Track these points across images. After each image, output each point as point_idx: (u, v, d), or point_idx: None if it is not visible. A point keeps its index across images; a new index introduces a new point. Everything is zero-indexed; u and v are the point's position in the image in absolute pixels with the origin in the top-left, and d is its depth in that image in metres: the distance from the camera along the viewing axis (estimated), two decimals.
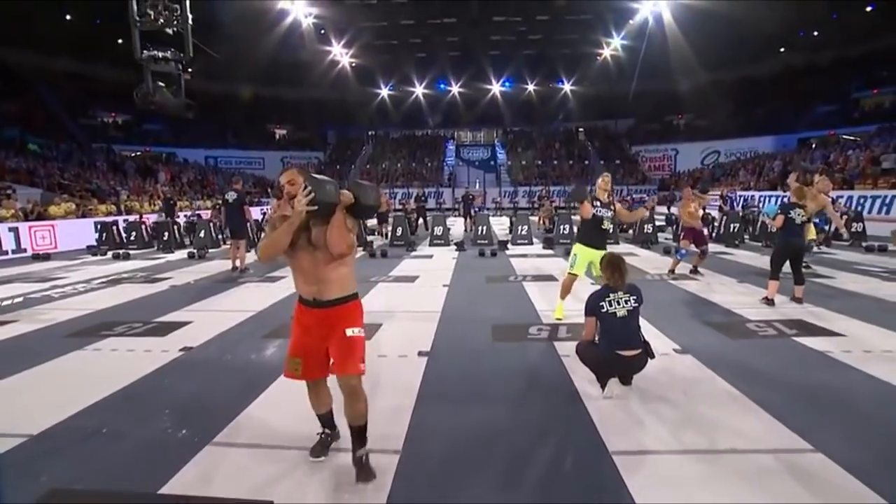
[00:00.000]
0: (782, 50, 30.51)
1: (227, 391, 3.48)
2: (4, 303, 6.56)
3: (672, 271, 7.70)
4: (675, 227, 13.40)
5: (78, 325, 5.35)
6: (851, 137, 23.93)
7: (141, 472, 2.48)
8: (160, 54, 7.55)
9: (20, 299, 6.78)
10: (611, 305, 3.15)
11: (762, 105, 32.05)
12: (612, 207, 4.97)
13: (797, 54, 30.08)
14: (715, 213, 13.80)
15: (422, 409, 3.12)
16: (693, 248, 7.66)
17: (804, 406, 3.05)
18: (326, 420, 2.65)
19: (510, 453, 2.59)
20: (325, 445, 2.62)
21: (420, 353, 4.15)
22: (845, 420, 2.87)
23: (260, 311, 5.90)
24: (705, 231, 8.56)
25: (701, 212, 8.51)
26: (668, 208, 19.52)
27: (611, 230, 5.12)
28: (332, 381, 2.46)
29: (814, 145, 26.48)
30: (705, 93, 30.82)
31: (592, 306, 3.19)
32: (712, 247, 11.39)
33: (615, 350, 3.10)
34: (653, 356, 3.20)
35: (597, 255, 4.50)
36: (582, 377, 3.47)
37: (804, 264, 6.29)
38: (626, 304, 3.17)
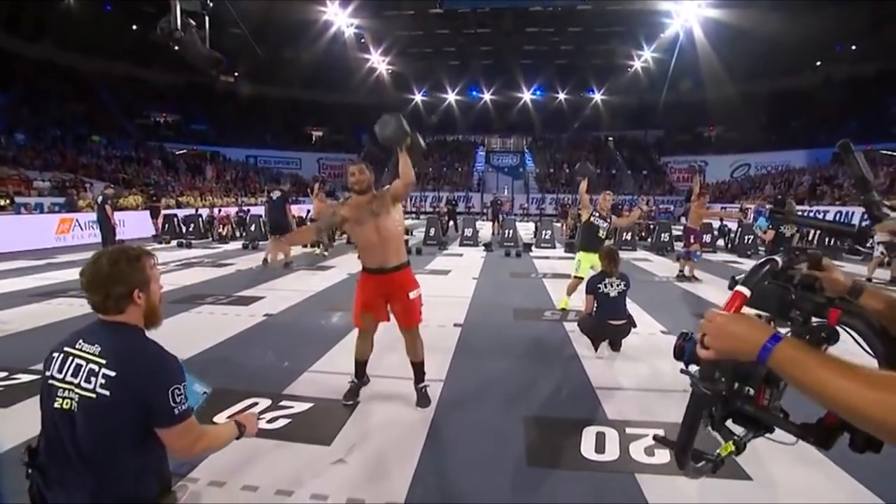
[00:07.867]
0: (818, 63, 30.32)
1: (309, 343, 4.59)
2: None
3: (692, 275, 8.11)
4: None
5: (175, 295, 6.57)
6: (891, 153, 23.61)
7: (264, 384, 3.57)
8: None
9: None
10: (605, 287, 4.11)
11: (796, 119, 31.75)
12: (608, 220, 5.90)
13: (834, 68, 29.83)
14: (732, 226, 14.36)
15: (458, 358, 4.15)
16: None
17: None
18: (360, 370, 3.28)
19: (522, 385, 3.60)
20: (354, 392, 3.24)
21: (455, 325, 5.19)
22: None
23: (319, 291, 7.05)
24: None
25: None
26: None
27: (605, 238, 5.96)
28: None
29: None
30: (737, 105, 30.65)
31: (592, 286, 4.16)
32: (726, 256, 12.10)
33: (606, 320, 4.06)
34: (635, 325, 4.15)
35: (595, 257, 5.43)
36: (582, 345, 4.43)
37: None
38: (618, 286, 4.12)
